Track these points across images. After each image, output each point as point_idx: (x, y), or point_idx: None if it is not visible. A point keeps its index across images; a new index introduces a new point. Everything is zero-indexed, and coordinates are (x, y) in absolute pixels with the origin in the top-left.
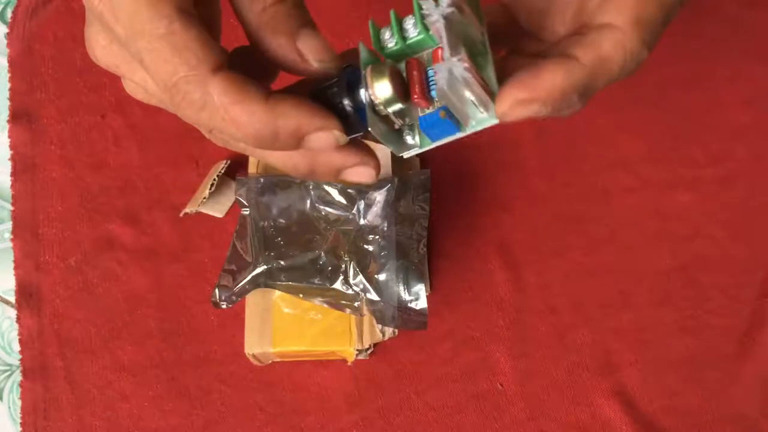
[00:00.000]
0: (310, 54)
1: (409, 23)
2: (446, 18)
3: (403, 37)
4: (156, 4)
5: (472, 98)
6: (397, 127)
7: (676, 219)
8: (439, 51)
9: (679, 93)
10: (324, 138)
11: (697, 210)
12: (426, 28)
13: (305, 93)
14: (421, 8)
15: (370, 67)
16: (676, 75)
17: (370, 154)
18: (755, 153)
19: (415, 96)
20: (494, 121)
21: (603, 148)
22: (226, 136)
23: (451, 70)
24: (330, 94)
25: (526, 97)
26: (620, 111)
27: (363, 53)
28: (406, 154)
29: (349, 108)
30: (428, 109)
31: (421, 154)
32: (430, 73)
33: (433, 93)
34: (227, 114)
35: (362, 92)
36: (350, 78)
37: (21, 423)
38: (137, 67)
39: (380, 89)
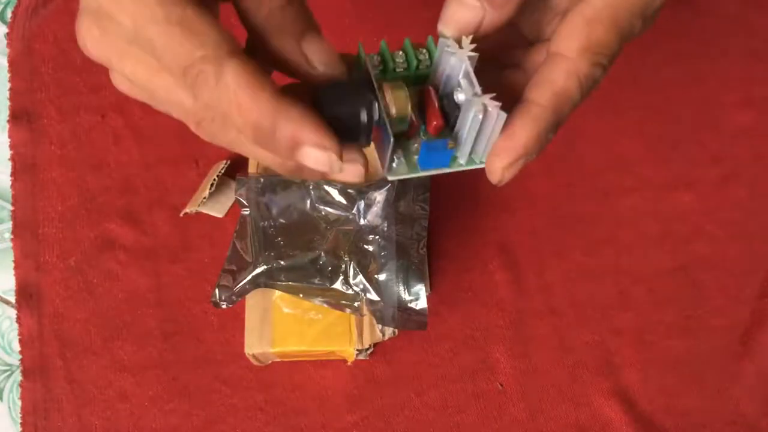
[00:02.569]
0: (315, 57)
1: (422, 55)
2: (471, 59)
3: (414, 65)
4: None
5: (483, 140)
6: (390, 153)
7: (676, 219)
8: (431, 90)
9: (679, 93)
10: (319, 156)
11: (697, 210)
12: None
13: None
14: (447, 46)
15: (387, 82)
16: (676, 75)
17: (359, 152)
18: (755, 153)
19: (434, 122)
20: (481, 166)
21: (603, 149)
22: (216, 127)
23: (487, 108)
24: (343, 95)
25: (510, 161)
26: (620, 112)
27: (371, 68)
28: (391, 177)
29: (363, 119)
30: (434, 136)
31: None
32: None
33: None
34: (235, 97)
35: (375, 105)
36: (363, 87)
37: (21, 423)
38: (128, 59)
39: (398, 105)
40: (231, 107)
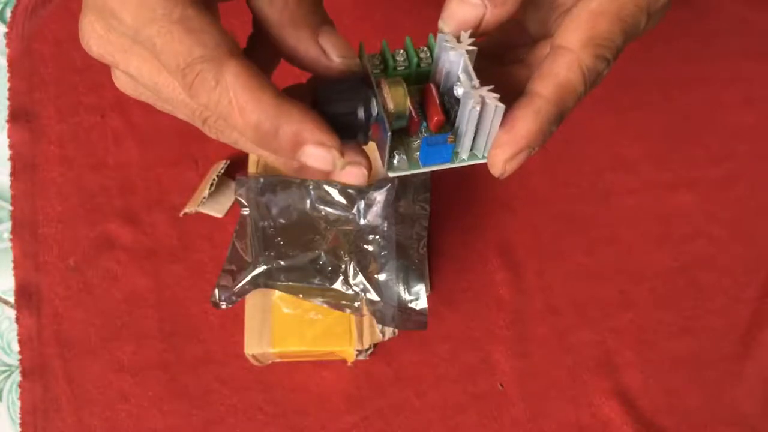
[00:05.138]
0: (332, 50)
1: (423, 53)
2: (469, 53)
3: (415, 63)
4: None
5: (484, 134)
6: (389, 150)
7: (676, 219)
8: (431, 87)
9: (679, 93)
10: (321, 155)
11: (697, 210)
12: (433, 60)
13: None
14: (445, 41)
15: (386, 80)
16: (677, 75)
17: (362, 154)
18: (756, 153)
19: (436, 117)
20: (484, 160)
21: (603, 149)
22: (222, 125)
23: (486, 100)
24: (341, 93)
25: (512, 153)
26: (621, 112)
27: (370, 66)
28: (392, 174)
29: (360, 115)
30: (435, 131)
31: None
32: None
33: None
34: (235, 98)
35: (373, 101)
36: (362, 84)
37: (20, 423)
38: (133, 57)
39: (396, 101)
40: (231, 109)
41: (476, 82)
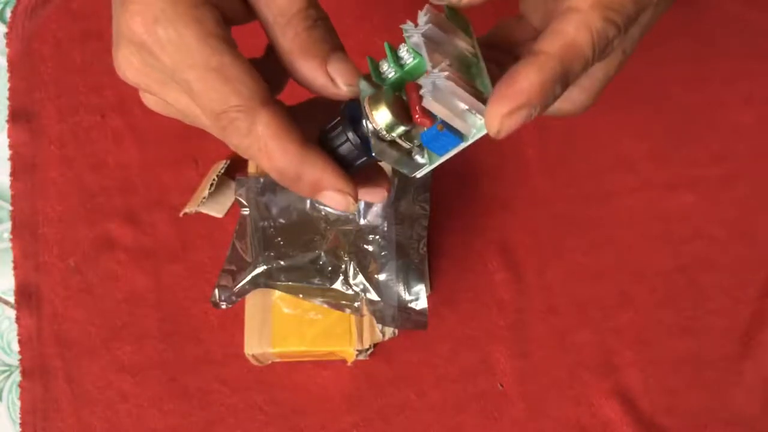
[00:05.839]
0: (340, 78)
1: (403, 51)
2: (426, 36)
3: (400, 65)
4: (206, 38)
5: (465, 107)
6: (408, 148)
7: (677, 219)
8: (411, 85)
9: (679, 93)
10: (338, 199)
11: (698, 210)
12: (418, 53)
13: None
14: (406, 31)
15: (367, 98)
16: (677, 75)
17: (382, 183)
18: (756, 153)
19: (417, 116)
20: None
21: (604, 149)
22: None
23: (434, 83)
24: (335, 134)
25: (511, 108)
26: (621, 111)
27: (362, 85)
28: (418, 174)
29: (354, 141)
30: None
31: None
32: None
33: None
34: (265, 146)
35: (364, 123)
36: (352, 112)
37: (20, 423)
38: (171, 90)
39: (379, 116)
40: (260, 155)
41: (429, 66)
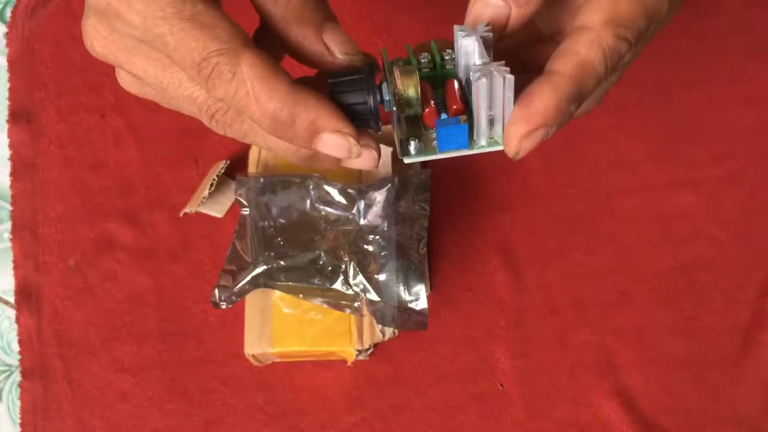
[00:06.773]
0: (336, 46)
1: (446, 54)
2: (484, 38)
3: (442, 65)
4: None
5: (496, 113)
6: (401, 135)
7: (676, 219)
8: (452, 81)
9: (679, 93)
10: (337, 141)
11: (697, 210)
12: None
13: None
14: (460, 30)
15: (399, 67)
16: (677, 75)
17: (371, 137)
18: (756, 153)
19: (454, 105)
20: (502, 147)
21: (604, 149)
22: (231, 118)
23: (492, 72)
24: (350, 84)
25: (527, 130)
26: (621, 111)
27: (386, 56)
28: (407, 160)
29: (371, 103)
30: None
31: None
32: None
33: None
34: (252, 88)
35: (384, 87)
36: (372, 73)
37: (20, 423)
38: (137, 57)
39: (407, 85)
40: (248, 99)
41: (488, 59)
